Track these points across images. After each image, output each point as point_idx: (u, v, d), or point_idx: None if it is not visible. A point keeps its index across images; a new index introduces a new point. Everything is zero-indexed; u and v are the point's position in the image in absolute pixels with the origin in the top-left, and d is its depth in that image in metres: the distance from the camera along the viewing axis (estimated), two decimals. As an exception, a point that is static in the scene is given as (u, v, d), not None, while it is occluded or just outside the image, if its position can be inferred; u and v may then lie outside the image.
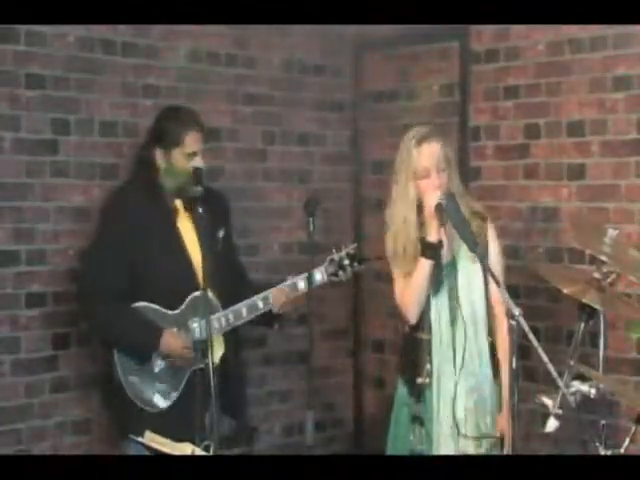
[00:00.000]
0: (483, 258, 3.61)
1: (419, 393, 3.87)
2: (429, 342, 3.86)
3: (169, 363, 4.11)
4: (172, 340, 4.07)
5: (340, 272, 4.17)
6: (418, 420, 3.85)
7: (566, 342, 4.65)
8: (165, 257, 4.12)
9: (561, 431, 3.90)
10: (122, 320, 4.10)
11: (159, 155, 4.20)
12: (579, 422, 3.95)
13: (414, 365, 3.88)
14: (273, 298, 4.19)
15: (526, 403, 3.77)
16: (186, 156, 4.17)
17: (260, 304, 4.19)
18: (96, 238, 4.23)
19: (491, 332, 3.90)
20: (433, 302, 3.88)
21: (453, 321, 3.88)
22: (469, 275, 3.89)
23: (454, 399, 3.84)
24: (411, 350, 3.94)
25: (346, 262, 4.17)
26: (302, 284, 4.15)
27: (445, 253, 3.90)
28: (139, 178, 4.28)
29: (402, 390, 3.99)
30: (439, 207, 3.73)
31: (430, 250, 3.81)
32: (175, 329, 4.11)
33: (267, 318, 4.26)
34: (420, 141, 3.89)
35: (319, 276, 4.16)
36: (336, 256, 4.17)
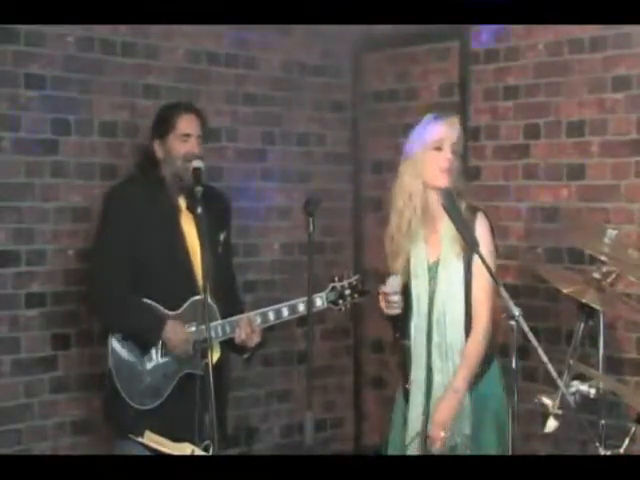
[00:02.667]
0: (481, 257, 3.56)
1: (407, 398, 3.90)
2: (410, 349, 3.88)
3: (171, 350, 4.08)
4: (178, 328, 4.06)
5: (340, 301, 4.15)
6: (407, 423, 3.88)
7: (566, 342, 4.64)
8: (166, 256, 4.11)
9: (561, 431, 3.90)
10: (128, 305, 4.08)
11: (157, 146, 4.19)
12: (579, 422, 3.95)
13: (403, 371, 3.93)
14: (238, 327, 4.13)
15: (526, 403, 3.77)
16: (180, 138, 4.15)
17: (258, 319, 4.17)
18: (100, 231, 4.21)
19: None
20: (415, 310, 3.86)
21: (430, 327, 3.85)
22: (450, 275, 3.84)
23: (424, 405, 3.85)
24: (400, 357, 3.97)
25: (347, 292, 4.15)
26: (301, 307, 4.12)
27: (431, 252, 3.88)
28: (141, 173, 4.28)
29: (399, 395, 4.00)
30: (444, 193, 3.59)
31: None
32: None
33: (238, 347, 4.22)
34: (439, 116, 3.88)
35: (319, 302, 4.12)
36: (338, 285, 4.14)
